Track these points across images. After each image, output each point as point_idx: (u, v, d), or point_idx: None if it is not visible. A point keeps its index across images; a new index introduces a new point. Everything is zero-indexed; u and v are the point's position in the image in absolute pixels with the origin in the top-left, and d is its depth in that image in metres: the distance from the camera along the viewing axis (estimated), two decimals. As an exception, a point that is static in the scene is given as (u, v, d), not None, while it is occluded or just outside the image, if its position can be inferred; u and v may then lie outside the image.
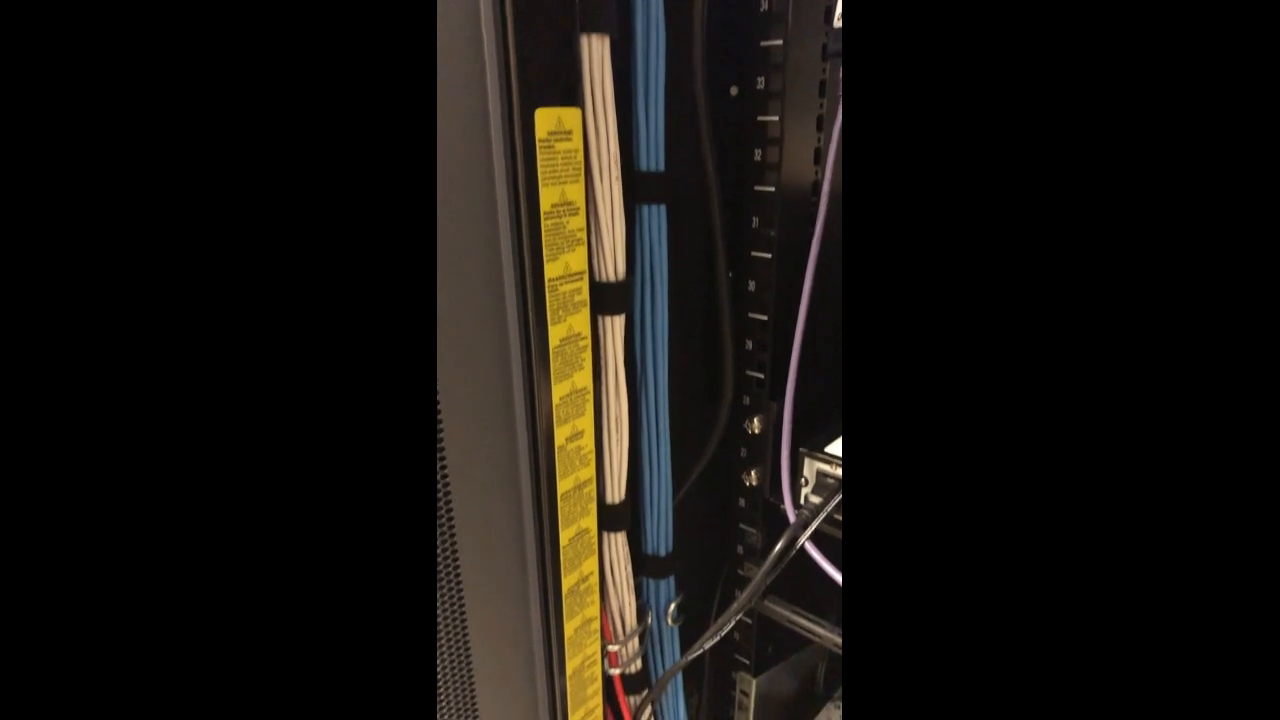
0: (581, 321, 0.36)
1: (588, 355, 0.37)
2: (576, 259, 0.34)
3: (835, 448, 0.46)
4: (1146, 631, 0.20)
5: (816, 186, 0.46)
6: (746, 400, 0.49)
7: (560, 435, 0.37)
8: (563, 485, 0.38)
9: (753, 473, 0.50)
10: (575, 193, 0.33)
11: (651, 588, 0.47)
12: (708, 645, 0.45)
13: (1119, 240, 0.19)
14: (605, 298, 0.37)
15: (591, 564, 0.42)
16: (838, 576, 0.42)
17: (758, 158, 0.43)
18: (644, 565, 0.46)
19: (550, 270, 0.33)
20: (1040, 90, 0.19)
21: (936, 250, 0.21)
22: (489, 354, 0.33)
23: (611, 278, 0.36)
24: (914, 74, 0.20)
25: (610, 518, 0.42)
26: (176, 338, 0.20)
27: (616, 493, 0.42)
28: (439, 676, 0.41)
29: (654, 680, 0.49)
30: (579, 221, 0.34)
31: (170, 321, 0.20)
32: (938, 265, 0.21)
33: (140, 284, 0.20)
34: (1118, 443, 0.20)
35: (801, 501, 0.46)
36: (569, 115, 0.32)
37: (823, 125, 0.44)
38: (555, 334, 0.34)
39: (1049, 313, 0.20)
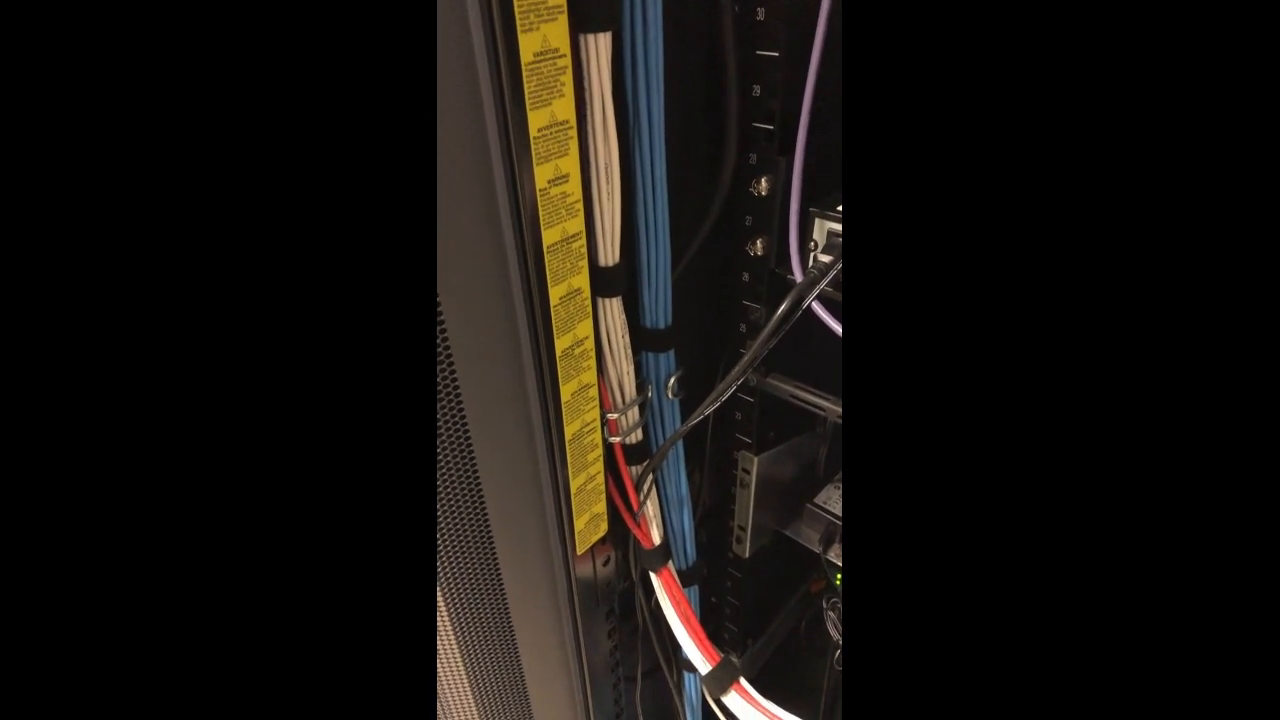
0: (558, 34, 0.31)
1: (568, 79, 0.32)
2: (547, -54, 0.28)
3: (849, 204, 0.42)
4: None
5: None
6: (753, 158, 0.44)
7: (541, 176, 0.33)
8: (548, 236, 0.35)
9: (758, 242, 0.47)
10: None
11: (651, 362, 0.46)
12: (710, 411, 0.45)
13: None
14: (586, 6, 0.31)
15: (586, 328, 0.39)
16: (845, 335, 0.40)
17: None
18: (643, 339, 0.45)
19: (515, -44, 0.27)
20: None
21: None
22: (450, 68, 0.29)
23: (592, -21, 0.31)
24: None
25: (604, 281, 0.39)
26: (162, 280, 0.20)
27: (610, 254, 0.39)
28: (437, 444, 0.40)
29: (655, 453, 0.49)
30: (547, -108, 0.28)
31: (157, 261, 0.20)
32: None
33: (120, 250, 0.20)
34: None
35: (810, 265, 0.43)
36: None
37: None
38: (527, 45, 0.29)
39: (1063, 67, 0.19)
